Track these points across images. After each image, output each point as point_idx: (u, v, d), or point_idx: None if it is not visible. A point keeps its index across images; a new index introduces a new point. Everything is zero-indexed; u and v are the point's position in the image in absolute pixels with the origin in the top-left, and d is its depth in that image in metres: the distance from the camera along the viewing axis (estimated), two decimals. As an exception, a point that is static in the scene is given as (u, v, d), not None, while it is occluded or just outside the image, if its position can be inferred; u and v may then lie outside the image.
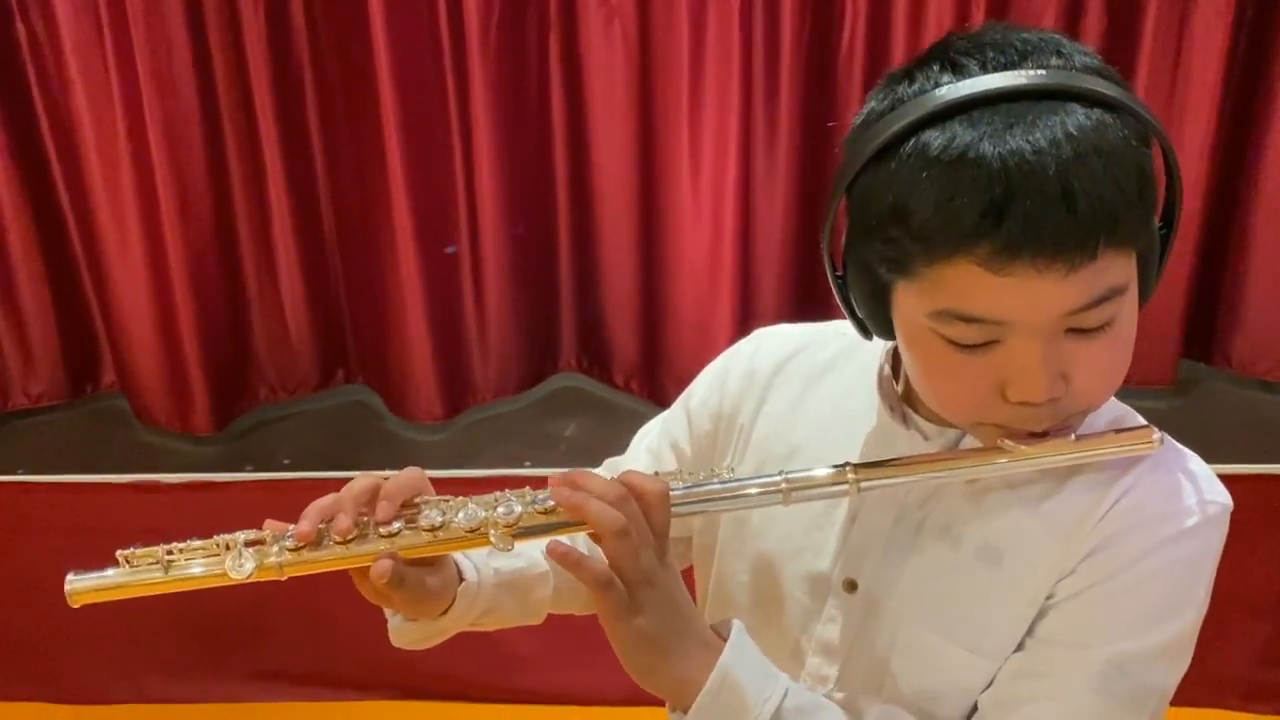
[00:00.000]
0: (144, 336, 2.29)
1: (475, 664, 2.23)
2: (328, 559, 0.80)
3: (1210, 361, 2.38)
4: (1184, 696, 0.83)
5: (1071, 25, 2.06)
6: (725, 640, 0.79)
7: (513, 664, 2.26)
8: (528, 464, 2.19)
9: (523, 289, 2.36)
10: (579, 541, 0.80)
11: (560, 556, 0.77)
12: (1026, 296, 0.70)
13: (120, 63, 2.07)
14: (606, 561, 0.76)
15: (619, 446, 1.11)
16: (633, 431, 1.11)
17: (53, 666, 2.27)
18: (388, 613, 0.92)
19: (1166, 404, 2.27)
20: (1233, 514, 0.82)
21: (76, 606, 0.80)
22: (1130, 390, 0.82)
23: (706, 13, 2.06)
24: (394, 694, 2.31)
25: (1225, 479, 0.84)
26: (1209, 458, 0.86)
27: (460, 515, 0.80)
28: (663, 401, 2.41)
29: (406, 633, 0.93)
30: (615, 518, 0.75)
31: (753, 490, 0.80)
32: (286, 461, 2.25)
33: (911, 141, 0.71)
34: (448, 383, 2.36)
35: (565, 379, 2.51)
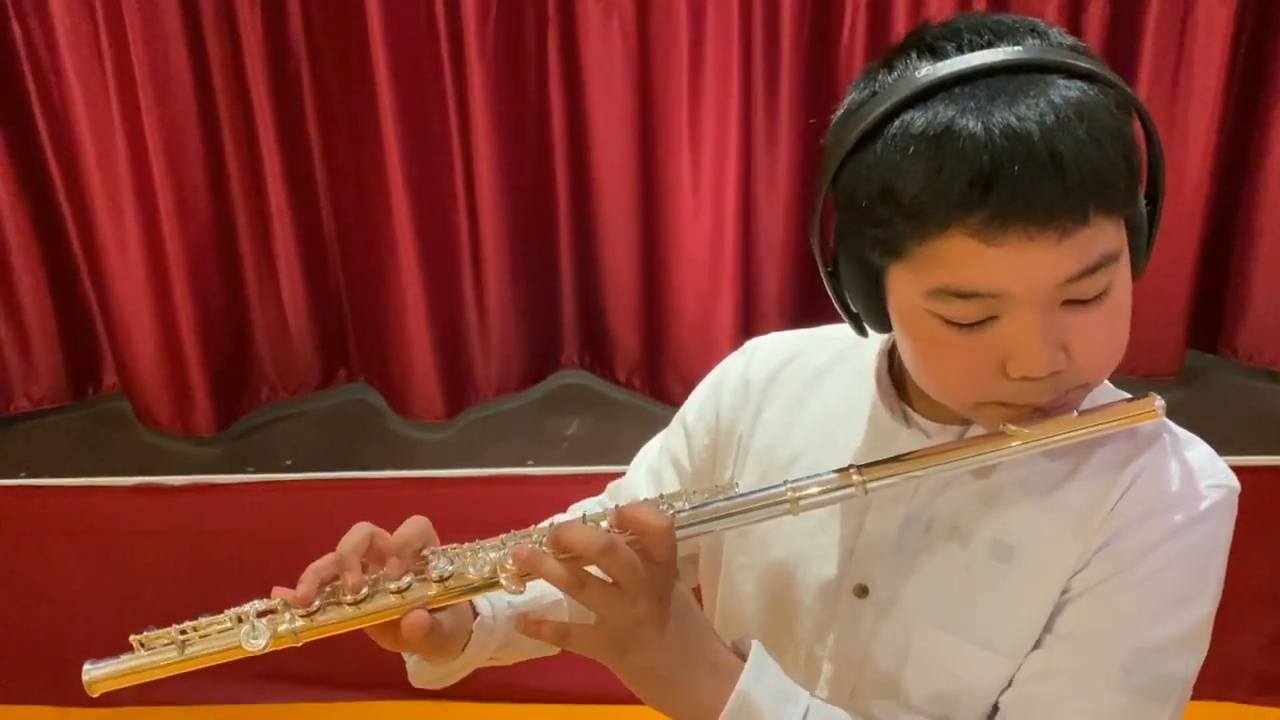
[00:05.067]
0: (144, 338, 2.29)
1: (480, 663, 2.22)
2: (341, 621, 0.79)
3: (1216, 352, 2.37)
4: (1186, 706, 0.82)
5: (1073, 18, 2.05)
6: (742, 661, 0.78)
7: (516, 663, 2.25)
8: (530, 462, 2.18)
9: (523, 286, 2.35)
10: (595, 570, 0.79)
11: (521, 630, 0.78)
12: (1021, 266, 0.69)
13: (117, 62, 2.07)
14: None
15: (621, 443, 1.11)
16: (635, 428, 1.11)
17: (56, 669, 2.27)
18: (405, 654, 0.91)
19: (1173, 395, 2.24)
20: (1239, 506, 0.82)
21: (96, 695, 0.80)
22: (1136, 381, 0.82)
23: (705, 7, 2.05)
24: (396, 694, 2.30)
25: (1232, 470, 0.83)
26: (1215, 448, 0.85)
27: (469, 562, 0.79)
28: (665, 397, 2.41)
29: (425, 673, 0.93)
30: (569, 575, 0.74)
31: (759, 503, 0.79)
32: (288, 462, 2.24)
33: (895, 124, 0.71)
34: (449, 381, 2.35)
35: (567, 376, 2.51)
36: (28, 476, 2.23)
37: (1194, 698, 0.82)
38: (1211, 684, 2.21)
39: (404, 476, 2.15)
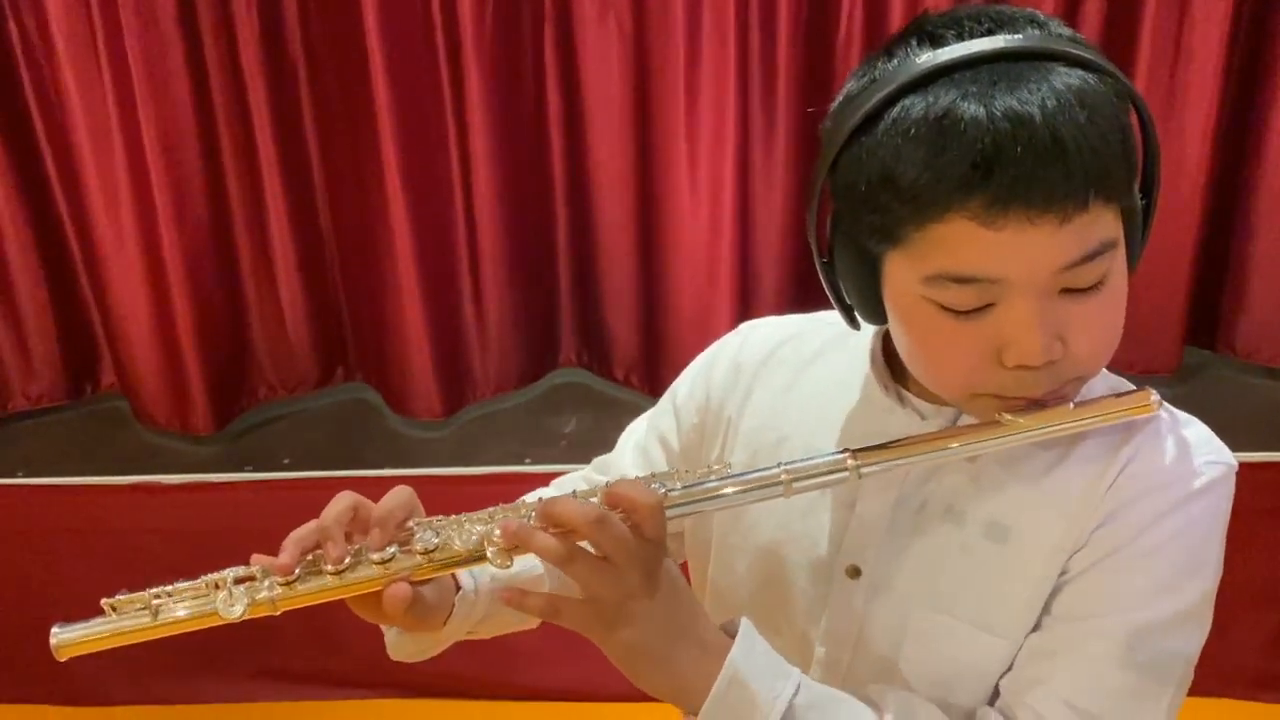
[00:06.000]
0: (143, 337, 2.29)
1: (477, 661, 2.22)
2: (321, 590, 0.78)
3: (1214, 349, 2.37)
4: (1189, 686, 0.82)
5: (1071, 12, 2.05)
6: (731, 640, 0.78)
7: (515, 661, 2.25)
8: (528, 461, 2.18)
9: (521, 285, 2.35)
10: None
11: (506, 601, 0.77)
12: (1020, 250, 0.69)
13: (114, 63, 2.06)
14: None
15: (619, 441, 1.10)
16: (633, 426, 1.10)
17: (54, 668, 2.25)
18: (384, 626, 0.91)
19: (1171, 391, 2.24)
20: (1237, 503, 0.82)
21: (63, 660, 0.77)
22: (1134, 378, 0.82)
23: (702, 4, 2.05)
24: (396, 692, 2.30)
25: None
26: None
27: (455, 535, 0.78)
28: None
29: (404, 645, 0.92)
30: (558, 548, 0.74)
31: (752, 485, 0.79)
32: (286, 461, 2.24)
33: (895, 109, 0.71)
34: (447, 379, 2.35)
35: (565, 374, 2.50)
36: (26, 476, 2.23)
37: (1192, 694, 0.82)
38: (1210, 681, 2.21)
39: (402, 475, 2.15)
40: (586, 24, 2.14)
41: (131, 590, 0.79)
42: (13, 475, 2.22)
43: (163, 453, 2.35)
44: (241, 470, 2.22)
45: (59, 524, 2.22)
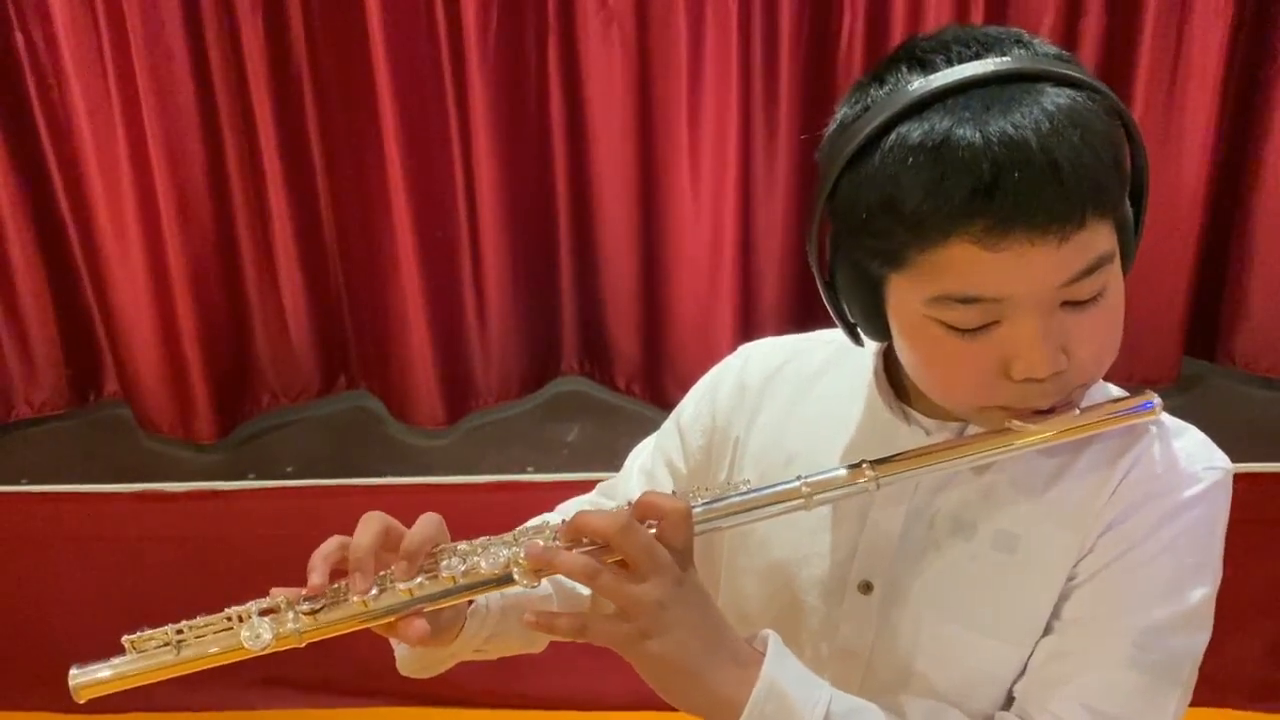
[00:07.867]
0: (146, 344, 2.29)
1: (478, 670, 2.20)
2: (348, 619, 0.77)
3: (1214, 359, 2.38)
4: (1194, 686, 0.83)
5: (1071, 25, 2.06)
6: (760, 653, 0.78)
7: (515, 669, 2.24)
8: (530, 469, 2.18)
9: (524, 293, 2.36)
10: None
11: (534, 625, 0.77)
12: (1022, 270, 0.71)
13: (119, 70, 2.08)
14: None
15: (621, 450, 1.11)
16: (635, 434, 1.11)
17: (59, 676, 2.27)
18: (393, 641, 0.90)
19: (1170, 402, 2.24)
20: (1236, 513, 0.83)
21: (83, 702, 0.77)
22: (1133, 388, 0.83)
23: (704, 15, 2.06)
24: (398, 700, 2.30)
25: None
26: (1212, 455, 0.85)
27: (482, 558, 0.78)
28: (665, 404, 2.41)
29: (413, 661, 0.93)
30: (584, 564, 0.75)
31: (773, 499, 0.79)
32: (289, 469, 2.24)
33: (891, 136, 0.72)
34: (450, 387, 2.35)
35: (567, 382, 2.51)
36: (29, 483, 2.23)
37: (1192, 704, 0.83)
38: (1210, 690, 2.20)
39: (404, 483, 2.16)
40: (590, 35, 2.15)
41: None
42: (15, 483, 2.23)
43: (165, 460, 2.35)
44: (244, 478, 2.22)
45: (61, 532, 2.22)
